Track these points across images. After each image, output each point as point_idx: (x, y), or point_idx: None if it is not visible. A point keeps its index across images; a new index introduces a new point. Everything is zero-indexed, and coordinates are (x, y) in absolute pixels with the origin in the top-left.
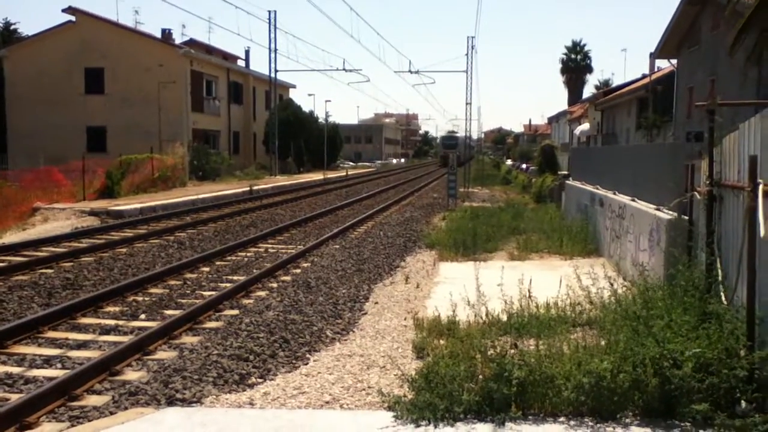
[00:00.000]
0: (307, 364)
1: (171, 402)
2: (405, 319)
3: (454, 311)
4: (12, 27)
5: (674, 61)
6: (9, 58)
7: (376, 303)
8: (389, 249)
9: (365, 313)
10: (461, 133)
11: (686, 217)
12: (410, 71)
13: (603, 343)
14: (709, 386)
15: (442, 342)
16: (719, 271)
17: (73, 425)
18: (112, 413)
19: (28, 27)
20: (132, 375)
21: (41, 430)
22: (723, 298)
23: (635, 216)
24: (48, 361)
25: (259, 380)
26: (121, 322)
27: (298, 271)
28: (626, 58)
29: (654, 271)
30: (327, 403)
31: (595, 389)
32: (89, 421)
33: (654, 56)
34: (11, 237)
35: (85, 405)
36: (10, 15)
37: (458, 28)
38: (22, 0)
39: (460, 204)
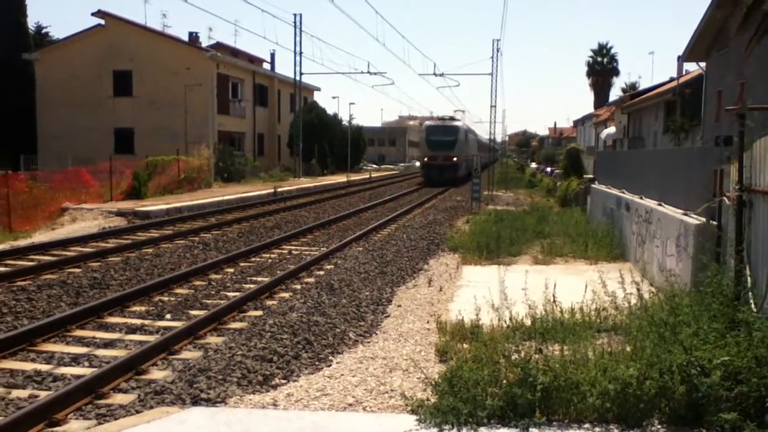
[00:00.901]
0: (330, 365)
1: (196, 402)
2: (428, 322)
3: (477, 315)
4: (43, 30)
5: (703, 65)
6: (40, 61)
7: (399, 306)
8: (412, 252)
9: (388, 316)
10: (463, 122)
11: (715, 223)
12: (435, 74)
13: (628, 349)
14: (738, 395)
15: (465, 346)
16: (749, 277)
17: (100, 423)
18: (138, 412)
19: (58, 30)
20: (157, 374)
21: (69, 428)
22: (753, 306)
23: (662, 221)
24: (75, 360)
25: (283, 381)
26: (147, 322)
27: (322, 273)
28: (653, 61)
29: (681, 277)
30: (350, 405)
31: (621, 396)
32: (116, 419)
33: (682, 59)
34: (40, 236)
35: (111, 403)
36: (42, 19)
37: (483, 30)
38: (54, 4)
39: (484, 207)
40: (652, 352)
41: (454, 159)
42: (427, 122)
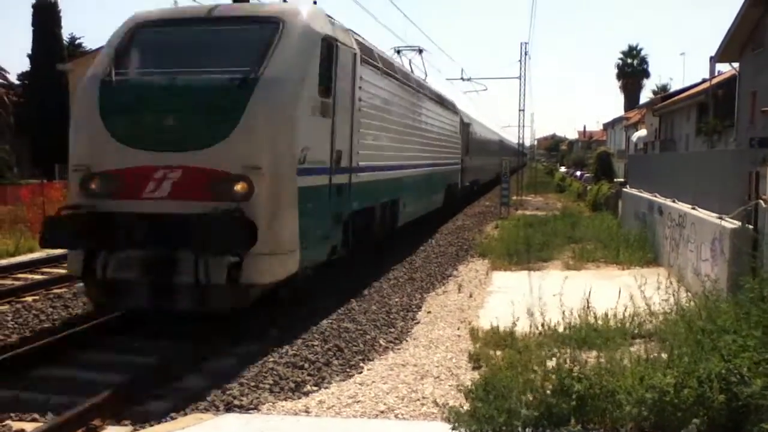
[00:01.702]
0: (361, 372)
1: (229, 408)
2: (458, 328)
3: (509, 321)
4: (77, 42)
5: (736, 65)
6: (74, 72)
7: (429, 312)
8: (441, 258)
9: (418, 322)
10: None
11: (751, 226)
12: (462, 78)
13: (664, 356)
14: None
15: (497, 353)
16: None
17: (136, 429)
18: (172, 418)
19: (91, 41)
20: (191, 381)
21: None
22: None
23: (696, 225)
24: (112, 366)
25: (314, 388)
26: (182, 328)
27: (351, 279)
28: (685, 62)
29: (717, 282)
30: (382, 412)
31: (658, 404)
32: (151, 425)
33: (715, 60)
34: None
35: (146, 410)
36: (75, 30)
37: (511, 34)
38: (87, 15)
39: (512, 212)
40: (690, 359)
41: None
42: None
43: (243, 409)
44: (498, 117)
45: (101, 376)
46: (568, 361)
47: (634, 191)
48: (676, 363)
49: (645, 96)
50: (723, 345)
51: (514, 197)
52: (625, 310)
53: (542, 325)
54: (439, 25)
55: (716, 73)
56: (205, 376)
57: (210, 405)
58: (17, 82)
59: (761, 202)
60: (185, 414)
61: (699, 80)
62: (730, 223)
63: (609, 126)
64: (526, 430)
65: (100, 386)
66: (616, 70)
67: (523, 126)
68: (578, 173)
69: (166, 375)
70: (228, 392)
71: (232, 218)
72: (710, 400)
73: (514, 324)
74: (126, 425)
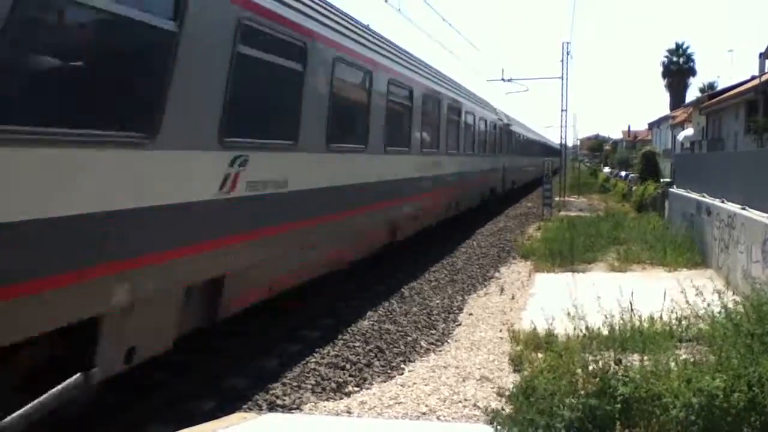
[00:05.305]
0: (402, 374)
1: (272, 407)
2: (500, 330)
3: (551, 324)
4: None
5: None
6: None
7: (471, 314)
8: (483, 259)
9: (459, 324)
10: None
11: None
12: (503, 79)
13: (713, 359)
14: None
15: (539, 355)
16: None
17: (181, 426)
18: (216, 417)
19: None
20: (235, 381)
21: None
22: None
23: (746, 225)
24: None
25: (356, 389)
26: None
27: (392, 280)
28: (733, 59)
29: None
30: (423, 414)
31: (707, 408)
32: (195, 424)
33: (764, 56)
34: None
35: (191, 408)
36: None
37: (553, 33)
38: None
39: (555, 213)
40: (740, 363)
41: None
42: None
43: (285, 408)
44: (539, 118)
45: None
46: (612, 363)
47: (681, 191)
48: (724, 366)
49: (691, 94)
50: None
51: (557, 198)
52: (671, 312)
53: (585, 327)
54: (479, 25)
55: (766, 70)
56: (248, 375)
57: (253, 404)
58: None
59: None
60: (229, 413)
61: (748, 77)
62: None
63: (654, 125)
64: None
65: None
66: (661, 69)
67: (566, 126)
68: (623, 173)
69: None
70: (271, 392)
71: None
72: (761, 405)
73: (552, 325)
74: (171, 423)
